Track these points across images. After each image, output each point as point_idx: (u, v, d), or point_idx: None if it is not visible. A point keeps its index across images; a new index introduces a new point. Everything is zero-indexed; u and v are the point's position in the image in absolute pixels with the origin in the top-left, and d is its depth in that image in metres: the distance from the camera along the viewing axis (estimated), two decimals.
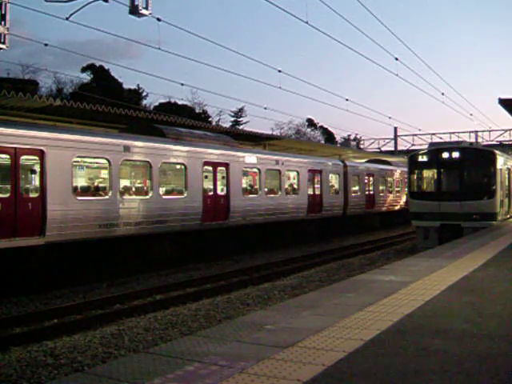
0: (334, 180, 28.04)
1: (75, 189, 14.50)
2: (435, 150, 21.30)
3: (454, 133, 41.31)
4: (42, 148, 13.31)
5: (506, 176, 22.38)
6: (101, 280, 14.44)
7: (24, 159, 13.24)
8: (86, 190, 15.27)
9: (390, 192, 34.58)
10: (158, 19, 16.68)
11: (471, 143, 25.01)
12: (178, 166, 18.02)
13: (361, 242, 24.71)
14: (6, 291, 12.23)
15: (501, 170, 20.94)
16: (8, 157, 12.79)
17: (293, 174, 24.37)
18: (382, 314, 5.94)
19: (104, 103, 20.18)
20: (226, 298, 12.26)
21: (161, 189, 17.04)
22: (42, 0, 13.56)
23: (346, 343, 4.77)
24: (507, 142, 39.19)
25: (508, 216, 22.70)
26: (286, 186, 23.62)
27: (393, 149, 53.72)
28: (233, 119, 64.84)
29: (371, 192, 31.85)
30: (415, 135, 42.70)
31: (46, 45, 22.79)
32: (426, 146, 24.28)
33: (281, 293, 12.87)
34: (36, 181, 13.52)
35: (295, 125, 71.39)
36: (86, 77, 50.76)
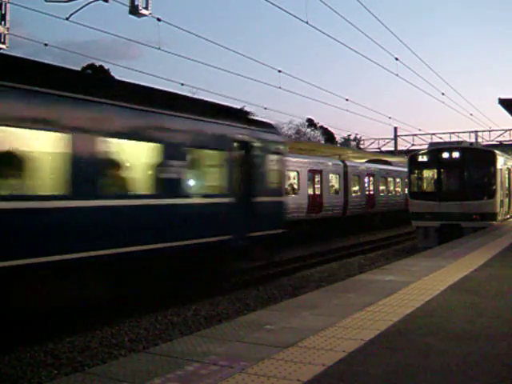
0: (334, 180, 28.06)
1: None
2: (435, 150, 21.28)
3: (454, 133, 41.37)
4: None
5: (506, 176, 22.37)
6: None
7: None
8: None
9: (390, 192, 34.59)
10: (158, 19, 16.68)
11: (471, 143, 24.99)
12: None
13: (361, 242, 24.70)
14: None
15: (501, 170, 20.93)
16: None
17: (293, 174, 24.45)
18: (382, 313, 5.94)
19: None
20: (226, 298, 12.25)
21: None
22: (42, 0, 13.61)
23: (345, 343, 4.77)
24: (507, 142, 39.19)
25: (508, 216, 22.70)
26: (286, 186, 23.66)
27: (393, 149, 53.77)
28: None
29: (371, 192, 31.82)
30: (415, 135, 42.78)
31: (45, 45, 22.77)
32: (426, 146, 24.27)
33: (281, 293, 12.87)
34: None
35: (295, 125, 71.23)
36: None
